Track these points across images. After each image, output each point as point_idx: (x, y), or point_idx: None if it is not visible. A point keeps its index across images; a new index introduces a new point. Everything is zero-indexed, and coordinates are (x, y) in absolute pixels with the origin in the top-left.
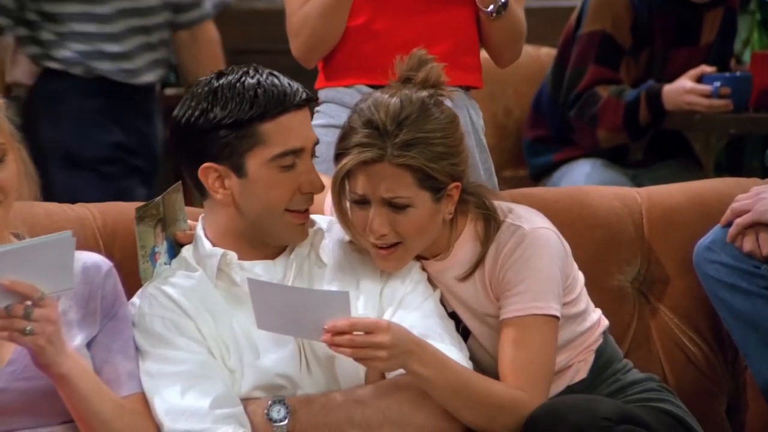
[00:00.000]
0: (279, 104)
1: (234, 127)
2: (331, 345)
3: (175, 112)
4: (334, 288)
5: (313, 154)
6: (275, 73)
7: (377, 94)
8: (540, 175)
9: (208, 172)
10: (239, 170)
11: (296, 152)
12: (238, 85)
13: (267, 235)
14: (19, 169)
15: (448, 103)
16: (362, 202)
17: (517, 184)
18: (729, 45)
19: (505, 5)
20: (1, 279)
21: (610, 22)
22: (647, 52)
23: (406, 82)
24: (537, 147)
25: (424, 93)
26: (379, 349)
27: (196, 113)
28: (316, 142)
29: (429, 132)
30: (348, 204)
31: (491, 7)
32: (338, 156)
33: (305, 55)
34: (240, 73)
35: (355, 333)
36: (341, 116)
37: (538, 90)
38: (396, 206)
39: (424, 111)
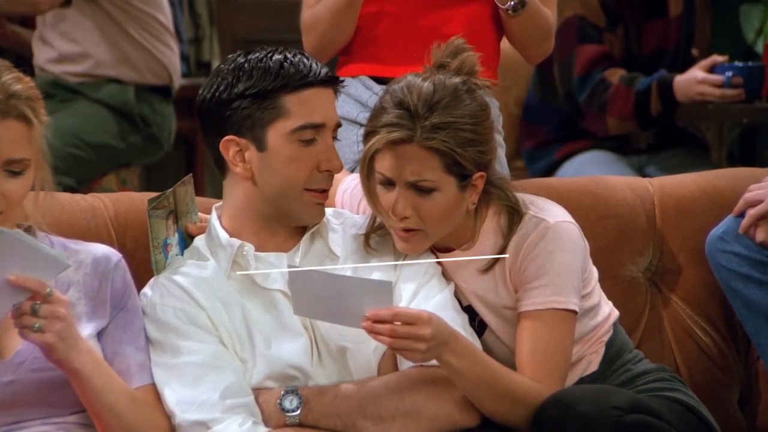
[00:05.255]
0: (303, 78)
1: (257, 97)
2: (371, 332)
3: (201, 90)
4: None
5: (334, 137)
6: (303, 53)
7: (410, 76)
8: (545, 176)
9: (229, 145)
10: (260, 143)
11: (317, 127)
12: (264, 59)
13: (284, 215)
14: (30, 187)
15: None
16: (388, 183)
17: (529, 174)
18: (693, 17)
19: (523, 3)
20: (7, 274)
21: (579, 5)
22: (621, 27)
23: (440, 68)
24: (538, 152)
25: (458, 79)
26: (420, 341)
27: (221, 87)
28: (339, 124)
29: (459, 117)
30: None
31: (509, 3)
32: (367, 135)
33: (316, 52)
34: (268, 51)
35: (395, 323)
36: (343, 107)
37: (523, 107)
38: (421, 189)
39: (456, 97)
